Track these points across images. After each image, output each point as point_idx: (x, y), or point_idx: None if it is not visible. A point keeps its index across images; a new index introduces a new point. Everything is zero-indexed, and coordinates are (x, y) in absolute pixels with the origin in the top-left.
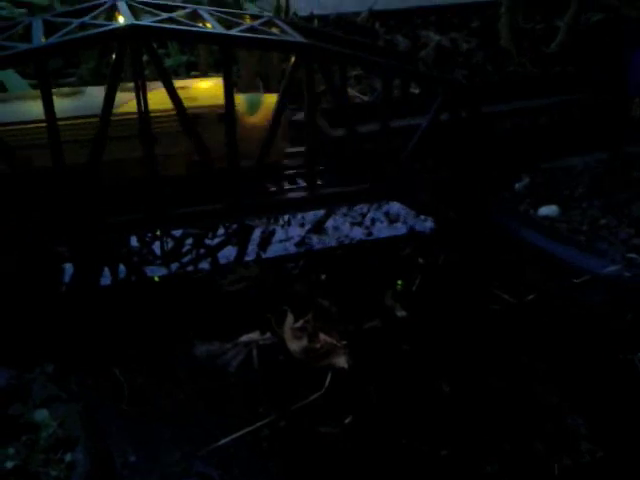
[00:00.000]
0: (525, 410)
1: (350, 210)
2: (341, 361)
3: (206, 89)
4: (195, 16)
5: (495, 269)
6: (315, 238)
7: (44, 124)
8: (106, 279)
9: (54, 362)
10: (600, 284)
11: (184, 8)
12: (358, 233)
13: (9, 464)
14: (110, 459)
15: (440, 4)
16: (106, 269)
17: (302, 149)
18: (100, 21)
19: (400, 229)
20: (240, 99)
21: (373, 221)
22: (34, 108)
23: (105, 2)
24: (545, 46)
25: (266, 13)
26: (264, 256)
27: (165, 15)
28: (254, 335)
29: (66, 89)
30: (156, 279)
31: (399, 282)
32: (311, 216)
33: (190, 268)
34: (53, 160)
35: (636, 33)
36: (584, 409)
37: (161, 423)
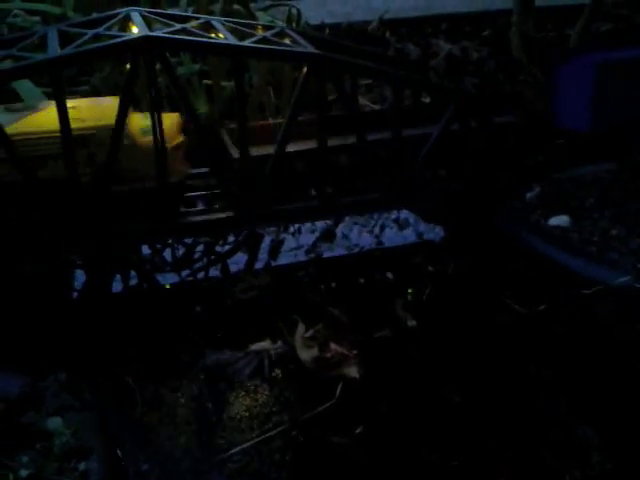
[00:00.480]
0: (535, 420)
1: (360, 218)
2: (352, 371)
3: (97, 109)
4: (208, 27)
5: (506, 279)
6: (325, 246)
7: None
8: (117, 286)
9: (67, 370)
10: (611, 295)
11: (197, 19)
12: (368, 241)
13: (24, 472)
14: (123, 467)
15: (451, 12)
16: (118, 276)
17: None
18: (114, 32)
19: (410, 237)
20: (136, 118)
21: (383, 228)
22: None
23: (119, 13)
24: None
25: (278, 22)
26: (274, 264)
27: (178, 26)
28: (265, 344)
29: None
30: (167, 287)
31: (409, 291)
32: (321, 224)
33: (201, 276)
34: (67, 169)
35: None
36: (594, 420)
37: (173, 431)
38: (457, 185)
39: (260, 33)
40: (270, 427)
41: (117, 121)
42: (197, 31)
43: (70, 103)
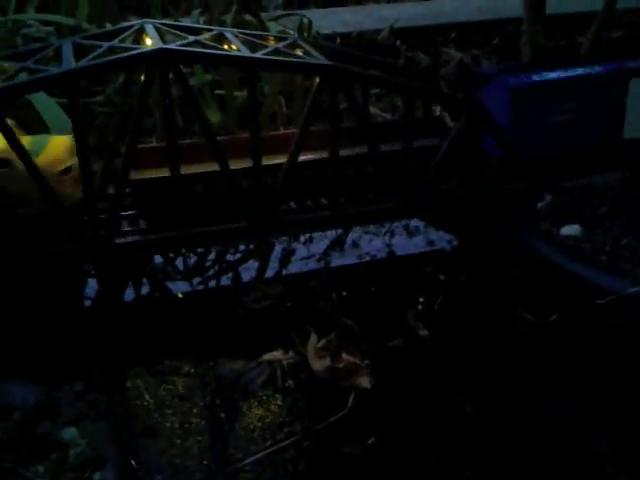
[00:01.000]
0: (549, 431)
1: (371, 226)
2: (364, 381)
3: None
4: (221, 38)
5: (518, 288)
6: (336, 255)
7: None
8: (130, 295)
9: (82, 379)
10: (624, 304)
11: (210, 30)
12: (379, 250)
13: None
14: (138, 478)
15: (460, 21)
16: (130, 286)
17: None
18: (128, 44)
19: (422, 246)
20: (25, 141)
21: (394, 237)
22: None
23: (133, 25)
24: None
25: (289, 31)
26: (286, 273)
27: (192, 38)
28: (278, 354)
29: None
30: (180, 296)
31: (421, 300)
32: (332, 232)
33: (212, 285)
34: (83, 184)
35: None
36: (608, 430)
37: (186, 441)
38: (469, 194)
39: (272, 44)
40: (283, 437)
41: (130, 135)
42: (210, 43)
43: None
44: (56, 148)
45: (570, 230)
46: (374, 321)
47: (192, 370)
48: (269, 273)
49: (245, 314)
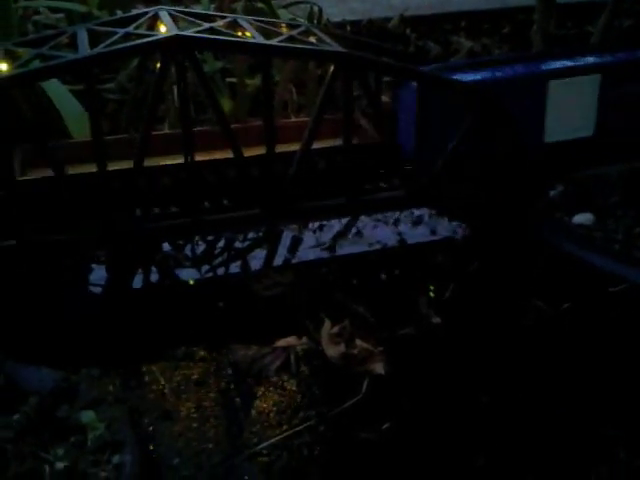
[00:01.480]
0: (561, 418)
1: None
2: (378, 367)
3: None
4: (235, 25)
5: (530, 276)
6: (347, 243)
7: None
8: (140, 282)
9: (98, 364)
10: (637, 292)
11: (223, 17)
12: (390, 238)
13: (59, 465)
14: (155, 460)
15: (470, 9)
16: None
17: None
18: (143, 31)
19: (433, 235)
20: None
21: (405, 225)
22: None
23: (147, 11)
24: None
25: (299, 19)
26: (297, 261)
27: (206, 25)
28: (291, 340)
29: None
30: (191, 282)
31: (432, 288)
32: (343, 220)
33: (222, 272)
34: (98, 169)
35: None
36: (622, 418)
37: (202, 425)
38: (481, 188)
39: (286, 32)
40: (298, 422)
41: (145, 122)
42: (225, 30)
43: None
44: None
45: (582, 218)
46: (386, 308)
47: (206, 356)
48: (279, 261)
49: (257, 301)
